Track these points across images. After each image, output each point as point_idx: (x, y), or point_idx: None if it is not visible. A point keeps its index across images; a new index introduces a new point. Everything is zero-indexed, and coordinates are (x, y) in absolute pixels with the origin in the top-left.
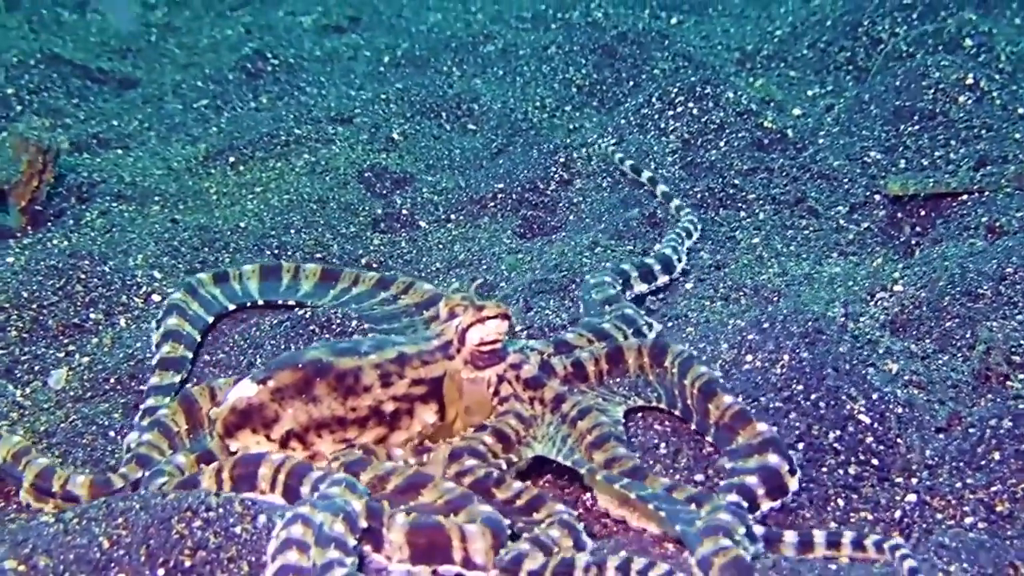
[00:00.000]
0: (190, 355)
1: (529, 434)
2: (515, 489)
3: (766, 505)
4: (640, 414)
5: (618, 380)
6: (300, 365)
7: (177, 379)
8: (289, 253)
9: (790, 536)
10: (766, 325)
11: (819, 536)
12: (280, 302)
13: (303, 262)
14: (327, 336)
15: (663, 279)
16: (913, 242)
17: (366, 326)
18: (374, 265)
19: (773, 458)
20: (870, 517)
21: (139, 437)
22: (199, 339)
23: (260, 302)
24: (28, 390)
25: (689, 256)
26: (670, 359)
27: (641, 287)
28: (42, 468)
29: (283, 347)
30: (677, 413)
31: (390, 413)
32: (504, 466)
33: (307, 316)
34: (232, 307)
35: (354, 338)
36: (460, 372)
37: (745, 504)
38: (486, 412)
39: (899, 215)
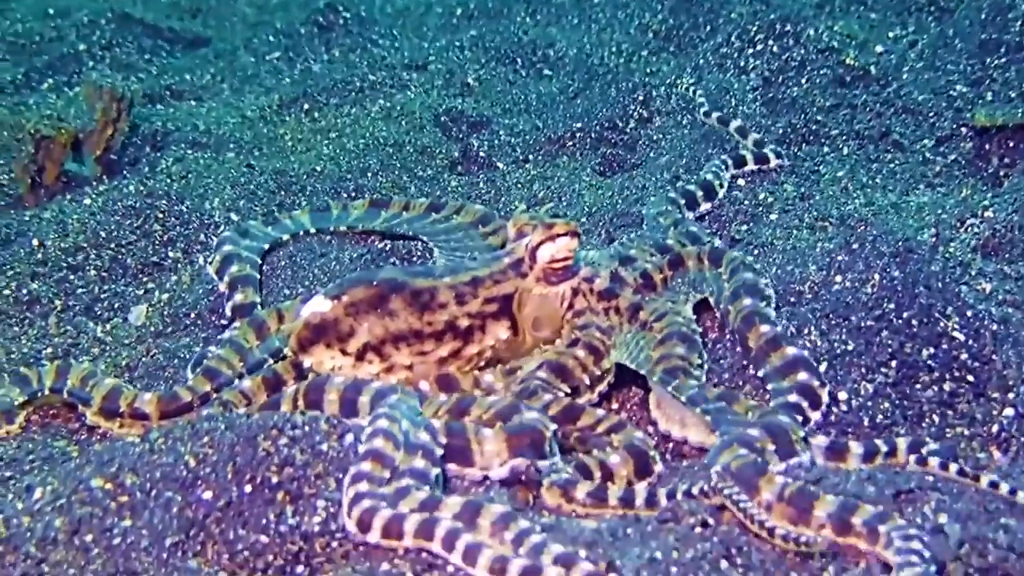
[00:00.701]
0: (258, 299)
1: (611, 342)
2: (597, 416)
3: (813, 416)
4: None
5: (679, 280)
6: (375, 282)
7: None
8: (366, 195)
9: (856, 447)
10: (855, 246)
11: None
12: (332, 229)
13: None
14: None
15: (705, 206)
16: (1001, 173)
17: (425, 239)
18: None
19: (803, 375)
20: (966, 432)
21: (212, 350)
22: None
23: (312, 230)
24: (109, 326)
25: (769, 186)
26: (726, 262)
27: (688, 214)
28: (109, 388)
29: None
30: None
31: (464, 328)
32: (598, 374)
33: (387, 248)
34: (286, 237)
35: (426, 264)
36: (532, 289)
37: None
38: (556, 327)
39: (986, 147)
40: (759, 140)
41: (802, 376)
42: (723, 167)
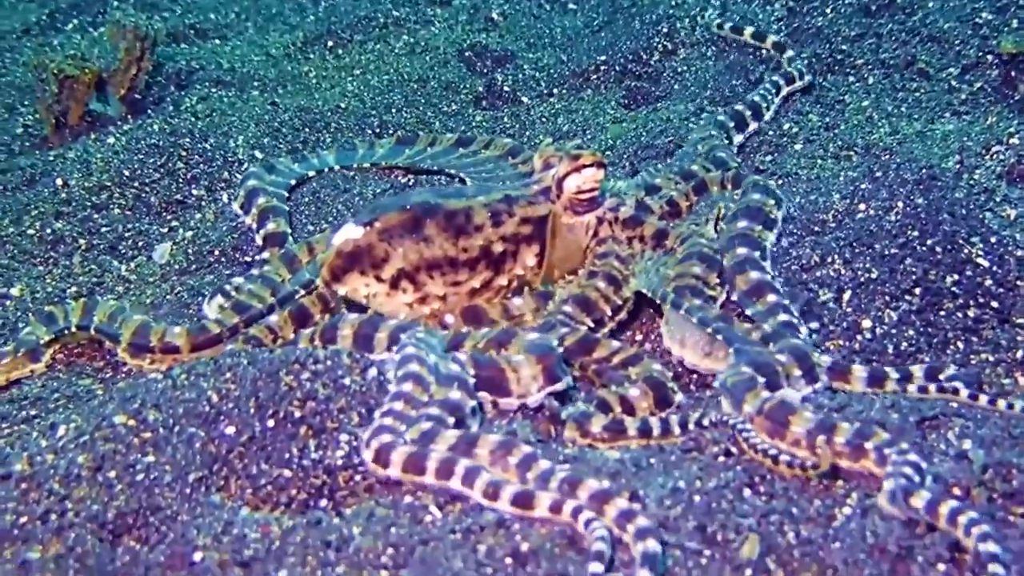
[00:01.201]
0: (289, 230)
1: (629, 271)
2: (612, 348)
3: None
4: None
5: (702, 204)
6: (408, 207)
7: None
8: (390, 131)
9: (859, 370)
10: (879, 174)
11: (892, 372)
12: (355, 166)
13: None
14: None
15: (753, 125)
16: None
17: (453, 172)
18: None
19: (784, 316)
20: (991, 358)
21: (243, 284)
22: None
23: (336, 167)
24: (133, 265)
25: (794, 116)
26: (744, 184)
27: (738, 137)
28: (138, 324)
29: None
30: None
31: (498, 255)
32: (618, 303)
33: (410, 183)
34: (311, 173)
35: (456, 186)
36: (561, 217)
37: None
38: (580, 258)
39: (1013, 74)
40: (792, 56)
41: (783, 317)
42: (772, 89)
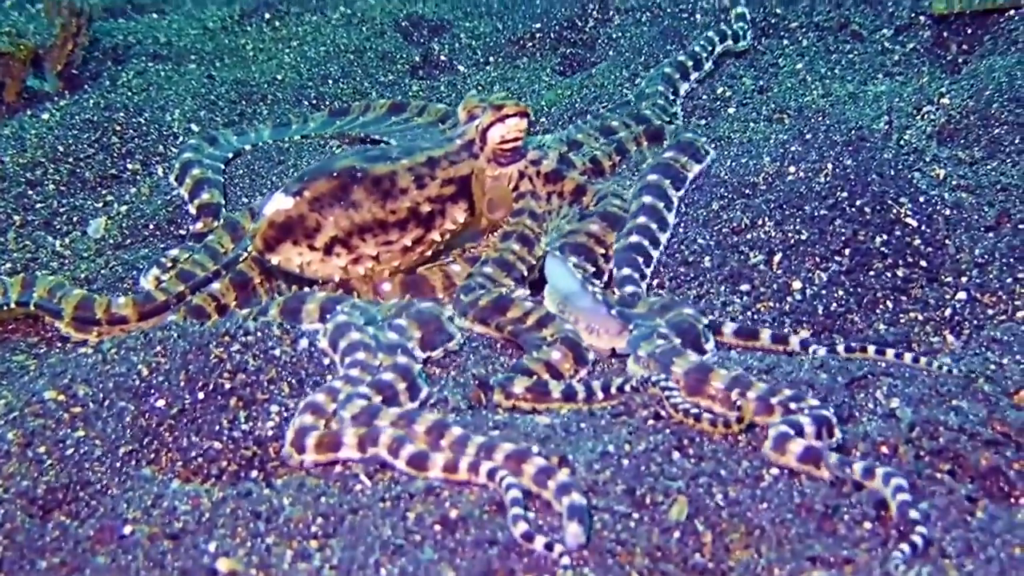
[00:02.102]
0: (223, 201)
1: (543, 229)
2: (525, 308)
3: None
4: None
5: (624, 165)
6: (335, 173)
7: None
8: (327, 103)
9: (765, 334)
10: (808, 136)
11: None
12: (288, 139)
13: None
14: None
15: (695, 75)
16: (960, 60)
17: (386, 140)
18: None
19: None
20: (920, 317)
21: (187, 255)
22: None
23: (269, 141)
24: (68, 240)
25: (727, 80)
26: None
27: (683, 86)
28: (80, 298)
29: None
30: None
31: (426, 214)
32: (532, 263)
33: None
34: (247, 147)
35: (380, 146)
36: (485, 170)
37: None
38: (508, 207)
39: (945, 35)
40: (741, 14)
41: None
42: (708, 45)
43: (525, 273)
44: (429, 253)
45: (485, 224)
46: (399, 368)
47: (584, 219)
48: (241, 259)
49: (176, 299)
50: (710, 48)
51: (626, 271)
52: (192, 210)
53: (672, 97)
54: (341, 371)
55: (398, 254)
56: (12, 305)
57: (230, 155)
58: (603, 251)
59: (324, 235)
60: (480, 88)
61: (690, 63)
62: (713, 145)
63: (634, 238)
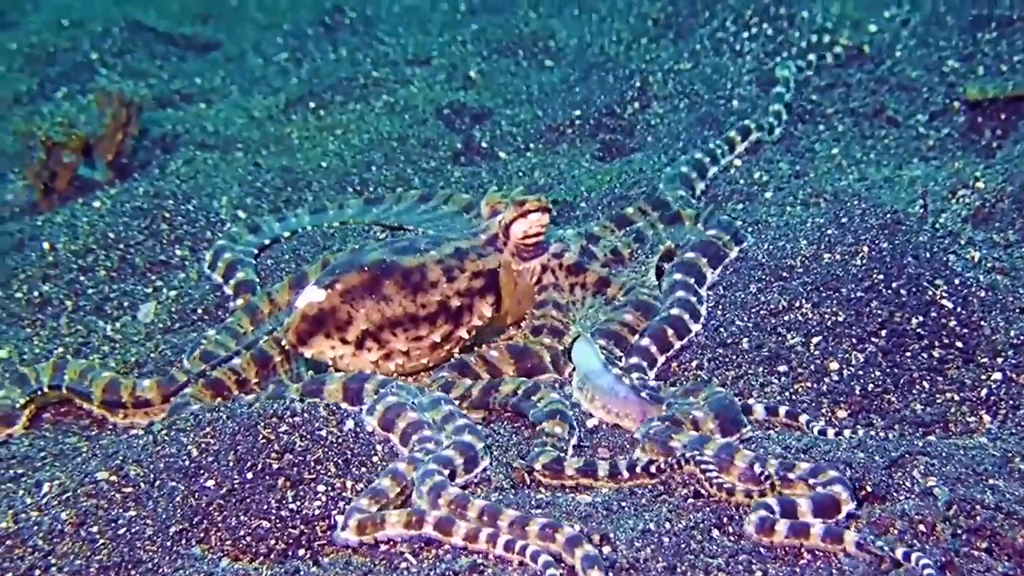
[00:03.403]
0: (256, 279)
1: (568, 319)
2: (516, 383)
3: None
4: None
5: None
6: (365, 267)
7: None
8: (371, 189)
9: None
10: (844, 219)
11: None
12: (326, 225)
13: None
14: None
15: (712, 170)
16: (994, 145)
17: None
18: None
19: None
20: (956, 397)
21: (210, 335)
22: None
23: (309, 228)
24: (118, 324)
25: (765, 164)
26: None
27: (700, 184)
28: (108, 381)
29: None
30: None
31: (455, 308)
32: (560, 350)
33: (387, 239)
34: (286, 234)
35: (408, 236)
36: (511, 263)
37: None
38: (531, 302)
39: (979, 120)
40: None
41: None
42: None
43: (548, 361)
44: (457, 351)
45: (508, 319)
46: (461, 445)
47: (617, 309)
48: (262, 341)
49: (196, 379)
50: (727, 147)
51: (634, 359)
52: (229, 291)
53: (690, 192)
54: (405, 451)
55: (427, 350)
56: (45, 390)
57: (266, 241)
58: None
59: (355, 328)
60: (524, 175)
61: (707, 159)
62: (750, 229)
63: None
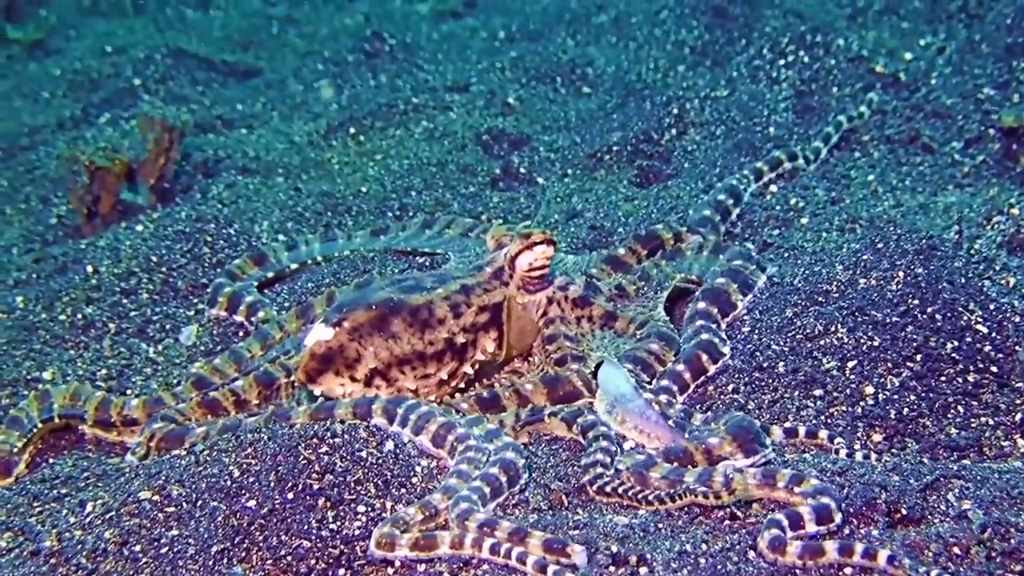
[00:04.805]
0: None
1: (580, 350)
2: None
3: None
4: None
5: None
6: (373, 305)
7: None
8: (410, 214)
9: (777, 430)
10: (880, 245)
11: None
12: (336, 254)
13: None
14: None
15: (736, 211)
16: None
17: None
18: (487, 220)
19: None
20: (991, 422)
21: (209, 361)
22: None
23: (320, 259)
24: (160, 347)
25: (800, 191)
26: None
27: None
28: (99, 400)
29: None
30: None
31: (461, 345)
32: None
33: (426, 264)
34: (295, 266)
35: (413, 274)
36: (516, 297)
37: None
38: (534, 335)
39: (1014, 147)
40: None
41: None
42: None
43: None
44: (462, 386)
45: (509, 354)
46: (504, 462)
47: (641, 340)
48: (268, 365)
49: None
50: (748, 181)
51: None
52: (240, 318)
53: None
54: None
55: (434, 388)
56: (39, 425)
57: (270, 274)
58: (662, 369)
59: (364, 366)
60: (561, 201)
61: (730, 201)
62: (786, 254)
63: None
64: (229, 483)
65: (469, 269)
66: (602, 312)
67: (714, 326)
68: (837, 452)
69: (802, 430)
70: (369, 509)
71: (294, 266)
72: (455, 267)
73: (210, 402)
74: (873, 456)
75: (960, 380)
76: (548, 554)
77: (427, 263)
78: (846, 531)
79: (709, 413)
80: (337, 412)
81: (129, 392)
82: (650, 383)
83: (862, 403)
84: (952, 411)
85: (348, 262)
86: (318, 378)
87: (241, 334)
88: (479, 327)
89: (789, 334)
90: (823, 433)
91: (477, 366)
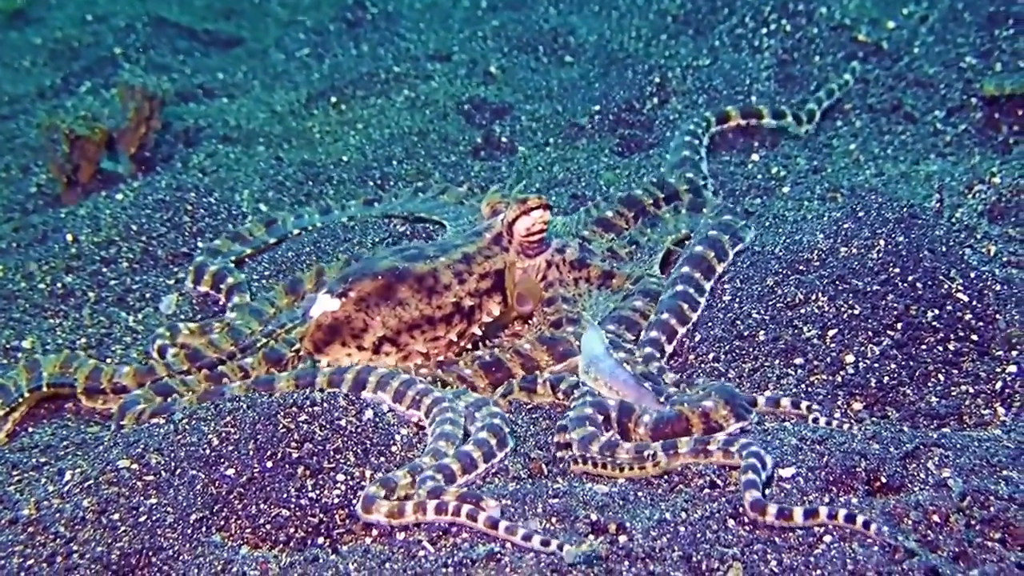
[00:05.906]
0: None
1: (577, 311)
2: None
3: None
4: None
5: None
6: (379, 275)
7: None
8: (391, 183)
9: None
10: (861, 213)
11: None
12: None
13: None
14: None
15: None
16: (1011, 140)
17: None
18: (475, 190)
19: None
20: (971, 390)
21: (207, 334)
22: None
23: (319, 224)
24: (140, 316)
25: (782, 160)
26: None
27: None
28: (91, 368)
29: None
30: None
31: (468, 308)
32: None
33: (407, 232)
34: (296, 232)
35: (414, 243)
36: (515, 262)
37: None
38: (537, 297)
39: (996, 116)
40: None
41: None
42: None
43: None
44: (469, 347)
45: (511, 316)
46: (492, 427)
47: (628, 298)
48: (260, 344)
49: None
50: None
51: (647, 349)
52: (220, 296)
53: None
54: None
55: (444, 348)
56: (26, 394)
57: (249, 250)
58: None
59: (372, 335)
60: (543, 170)
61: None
62: (767, 223)
63: (664, 315)
64: (208, 451)
65: (468, 236)
66: (599, 272)
67: (698, 275)
68: (815, 421)
69: (761, 399)
70: (348, 478)
71: (295, 232)
72: (453, 235)
73: (218, 377)
74: (852, 424)
75: (940, 348)
76: (464, 503)
77: (417, 231)
78: (826, 498)
79: (681, 375)
80: (318, 380)
81: (109, 361)
82: (636, 340)
83: (842, 371)
84: (932, 379)
85: (328, 231)
86: (325, 348)
87: (220, 303)
88: (483, 292)
89: (770, 302)
90: (785, 400)
91: (483, 328)
